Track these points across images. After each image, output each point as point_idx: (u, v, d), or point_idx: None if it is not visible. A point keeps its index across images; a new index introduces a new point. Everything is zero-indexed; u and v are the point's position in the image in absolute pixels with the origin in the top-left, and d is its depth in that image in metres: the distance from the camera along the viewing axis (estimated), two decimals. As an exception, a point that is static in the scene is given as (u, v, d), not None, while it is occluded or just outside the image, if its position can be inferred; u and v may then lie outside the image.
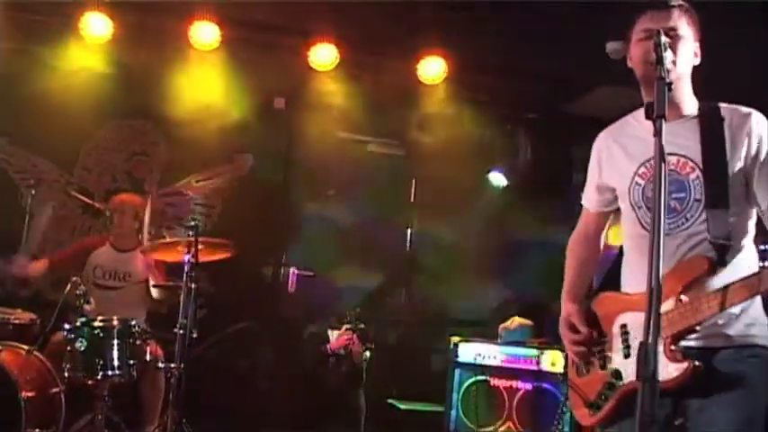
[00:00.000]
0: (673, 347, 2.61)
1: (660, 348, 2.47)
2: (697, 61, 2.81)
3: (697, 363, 2.57)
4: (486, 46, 5.80)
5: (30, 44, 6.26)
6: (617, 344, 2.88)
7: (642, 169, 2.81)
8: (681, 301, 2.61)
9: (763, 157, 2.68)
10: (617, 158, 2.93)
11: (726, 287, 2.51)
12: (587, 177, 3.11)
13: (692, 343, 2.63)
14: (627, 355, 2.83)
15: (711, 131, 2.73)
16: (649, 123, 2.38)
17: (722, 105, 2.78)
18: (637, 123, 2.86)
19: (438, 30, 5.77)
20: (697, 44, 2.81)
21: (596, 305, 3.02)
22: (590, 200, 3.12)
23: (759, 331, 2.68)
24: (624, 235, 2.95)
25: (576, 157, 6.87)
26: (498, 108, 6.92)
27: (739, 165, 2.69)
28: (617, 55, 5.41)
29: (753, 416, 2.59)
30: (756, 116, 2.74)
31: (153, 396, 5.33)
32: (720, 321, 2.64)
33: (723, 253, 2.63)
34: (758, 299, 2.66)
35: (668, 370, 2.58)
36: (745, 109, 2.76)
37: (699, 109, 2.80)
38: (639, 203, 2.81)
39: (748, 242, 2.74)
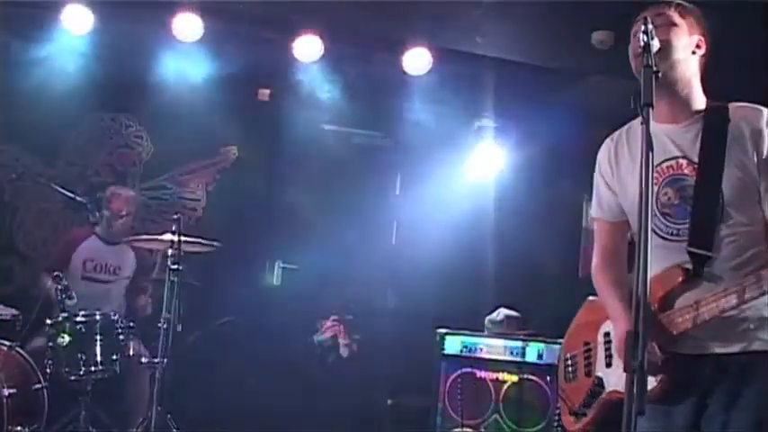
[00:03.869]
0: None
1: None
2: (700, 52, 2.70)
3: (663, 376, 2.49)
4: (472, 37, 5.77)
5: (11, 37, 6.19)
6: (600, 352, 2.86)
7: (653, 174, 2.61)
8: (661, 313, 2.54)
9: None
10: (624, 165, 2.78)
11: (697, 303, 2.46)
12: (596, 184, 2.91)
13: (726, 350, 2.51)
14: (609, 364, 2.80)
15: (713, 134, 2.59)
16: (657, 126, 2.32)
17: (732, 105, 2.65)
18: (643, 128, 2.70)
19: (423, 21, 5.74)
20: (698, 37, 2.69)
21: (585, 311, 3.02)
22: (604, 210, 2.88)
23: None
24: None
25: (564, 150, 6.87)
26: (485, 99, 6.90)
27: (744, 168, 2.54)
28: (604, 45, 5.48)
29: None
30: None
31: (137, 391, 5.30)
32: (752, 326, 2.51)
33: (701, 263, 2.52)
34: None
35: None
36: (755, 106, 2.64)
37: (706, 109, 2.67)
38: (653, 210, 2.60)
39: (749, 254, 2.54)
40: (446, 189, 7.00)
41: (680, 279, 2.54)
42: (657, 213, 2.62)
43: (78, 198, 5.76)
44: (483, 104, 6.91)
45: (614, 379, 2.77)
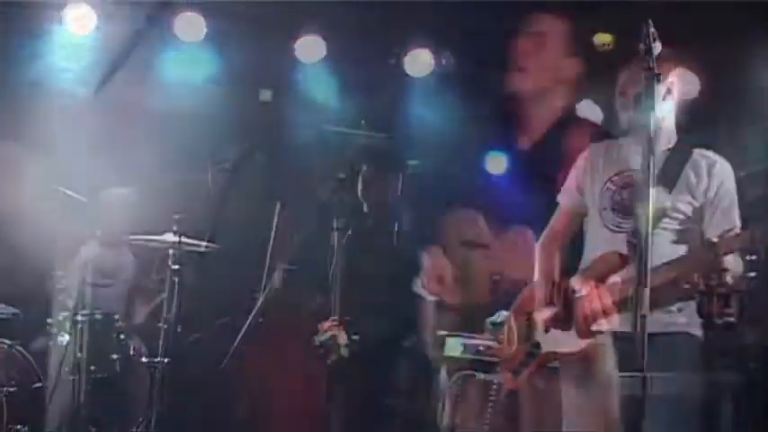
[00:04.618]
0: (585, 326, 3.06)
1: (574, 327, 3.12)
2: (671, 97, 3.10)
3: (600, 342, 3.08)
4: (474, 39, 5.78)
5: (12, 35, 6.20)
6: (539, 321, 3.35)
7: (615, 177, 3.19)
8: (596, 287, 3.05)
9: (715, 201, 3.04)
10: (598, 165, 3.30)
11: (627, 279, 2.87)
12: (570, 177, 3.42)
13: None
14: (547, 330, 3.30)
15: (675, 161, 3.09)
16: (629, 145, 2.93)
17: (696, 150, 3.14)
18: (625, 145, 3.24)
19: (425, 23, 5.75)
20: (669, 82, 3.05)
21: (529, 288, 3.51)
22: (570, 198, 3.43)
23: (693, 327, 3.06)
24: (587, 231, 3.35)
25: (565, 152, 6.85)
26: (487, 102, 6.89)
27: (691, 192, 3.05)
28: (604, 48, 5.49)
29: (685, 393, 2.96)
30: (722, 163, 3.10)
31: (137, 391, 5.30)
32: (662, 314, 2.96)
33: (635, 254, 2.85)
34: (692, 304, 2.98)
35: (578, 343, 3.10)
36: (713, 155, 3.13)
37: (675, 144, 3.16)
38: (605, 205, 3.19)
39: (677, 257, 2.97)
40: (449, 191, 6.99)
41: (618, 263, 3.02)
42: (608, 209, 3.18)
43: (81, 199, 5.77)
44: (483, 105, 6.90)
45: (550, 343, 3.30)
